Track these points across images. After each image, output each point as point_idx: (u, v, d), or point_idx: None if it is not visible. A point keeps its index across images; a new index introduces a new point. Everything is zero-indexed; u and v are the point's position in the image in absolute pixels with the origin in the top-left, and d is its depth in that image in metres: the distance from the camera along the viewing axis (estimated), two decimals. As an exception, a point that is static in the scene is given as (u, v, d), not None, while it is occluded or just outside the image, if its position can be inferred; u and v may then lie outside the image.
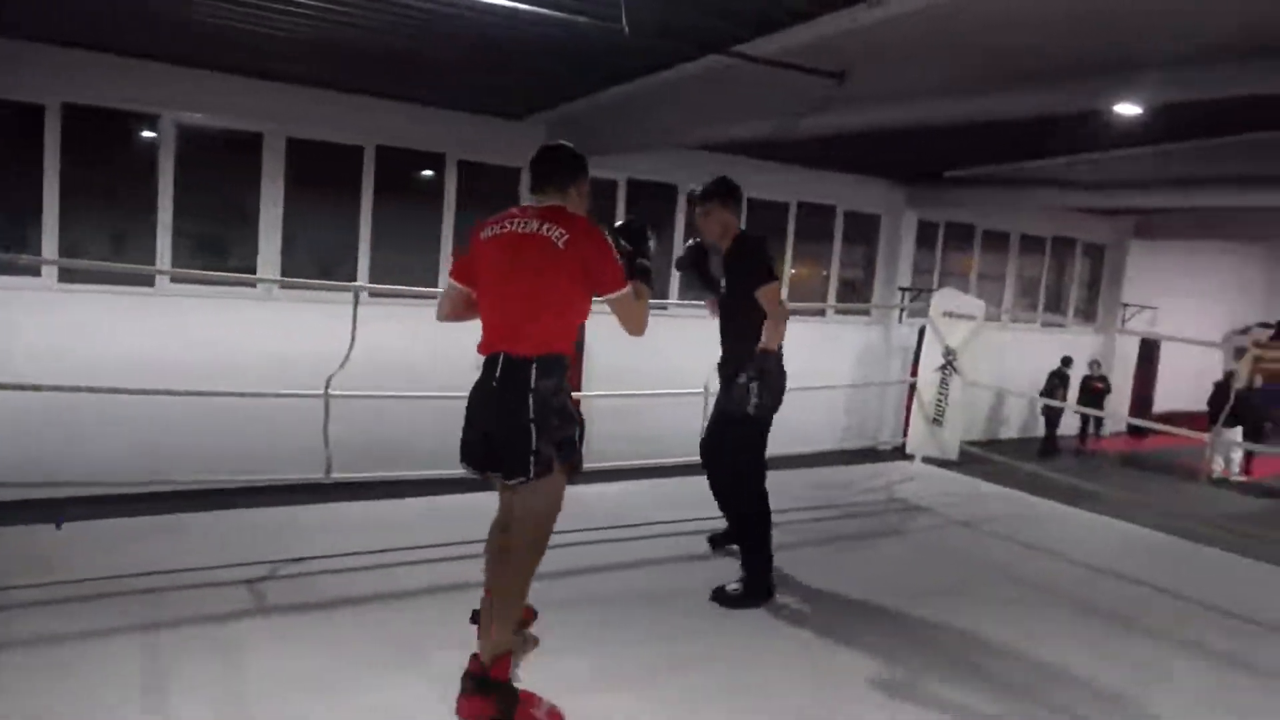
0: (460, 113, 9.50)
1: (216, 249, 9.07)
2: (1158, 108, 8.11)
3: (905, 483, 5.98)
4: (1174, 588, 4.39)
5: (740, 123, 7.13)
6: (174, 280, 8.37)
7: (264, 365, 7.77)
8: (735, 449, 3.92)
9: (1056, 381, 14.30)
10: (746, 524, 3.89)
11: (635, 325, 2.91)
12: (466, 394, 2.85)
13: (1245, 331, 18.52)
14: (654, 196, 11.18)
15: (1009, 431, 14.97)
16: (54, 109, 7.85)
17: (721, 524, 4.35)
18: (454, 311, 3.03)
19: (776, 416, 3.85)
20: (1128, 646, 3.72)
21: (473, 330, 2.92)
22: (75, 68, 7.75)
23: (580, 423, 2.85)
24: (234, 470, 6.20)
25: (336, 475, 4.65)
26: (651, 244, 3.09)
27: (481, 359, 2.81)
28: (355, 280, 9.24)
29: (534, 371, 2.70)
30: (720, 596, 3.75)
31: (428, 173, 9.79)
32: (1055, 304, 15.85)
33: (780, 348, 3.79)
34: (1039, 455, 14.18)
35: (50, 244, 7.95)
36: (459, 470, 2.94)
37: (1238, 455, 13.16)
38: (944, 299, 6.08)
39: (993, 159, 11.64)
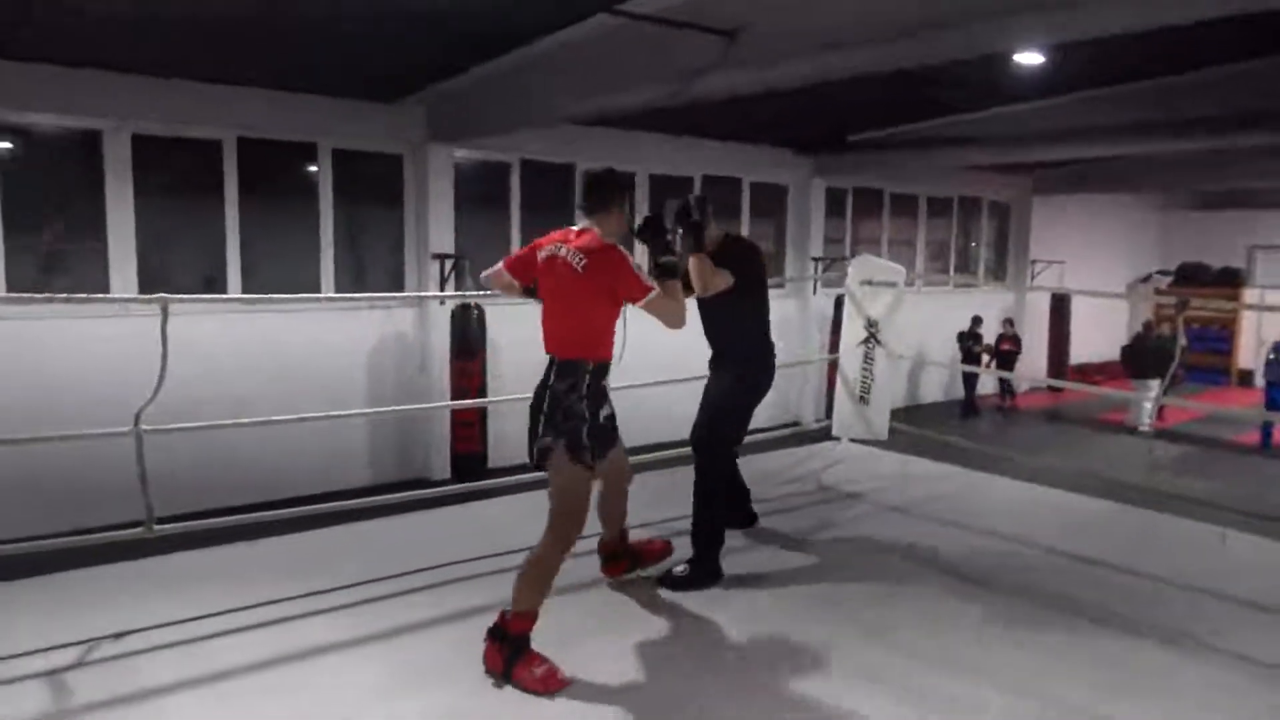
0: (330, 98, 8.69)
1: (59, 266, 8.08)
2: (1056, 59, 7.89)
3: (833, 467, 5.54)
4: (1125, 563, 4.05)
5: (628, 91, 6.58)
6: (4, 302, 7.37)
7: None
8: (712, 425, 3.94)
9: (970, 342, 14.21)
10: (702, 503, 3.86)
11: (670, 322, 3.24)
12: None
13: (1147, 280, 18.92)
14: (550, 177, 10.54)
15: (931, 396, 14.87)
16: None
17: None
18: (502, 289, 3.56)
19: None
20: (1085, 639, 3.34)
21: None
22: None
23: (588, 419, 3.14)
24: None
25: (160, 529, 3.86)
26: (672, 236, 3.61)
27: None
28: (227, 289, 8.40)
29: (554, 373, 3.20)
30: (669, 581, 3.73)
31: (312, 167, 8.97)
32: (966, 264, 15.80)
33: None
34: (961, 418, 14.13)
35: None
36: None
37: (1151, 405, 13.30)
38: (861, 267, 5.62)
39: (895, 120, 11.35)
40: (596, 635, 3.32)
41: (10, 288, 7.36)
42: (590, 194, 3.33)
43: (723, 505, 3.92)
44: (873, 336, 5.43)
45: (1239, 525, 4.54)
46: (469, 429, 9.08)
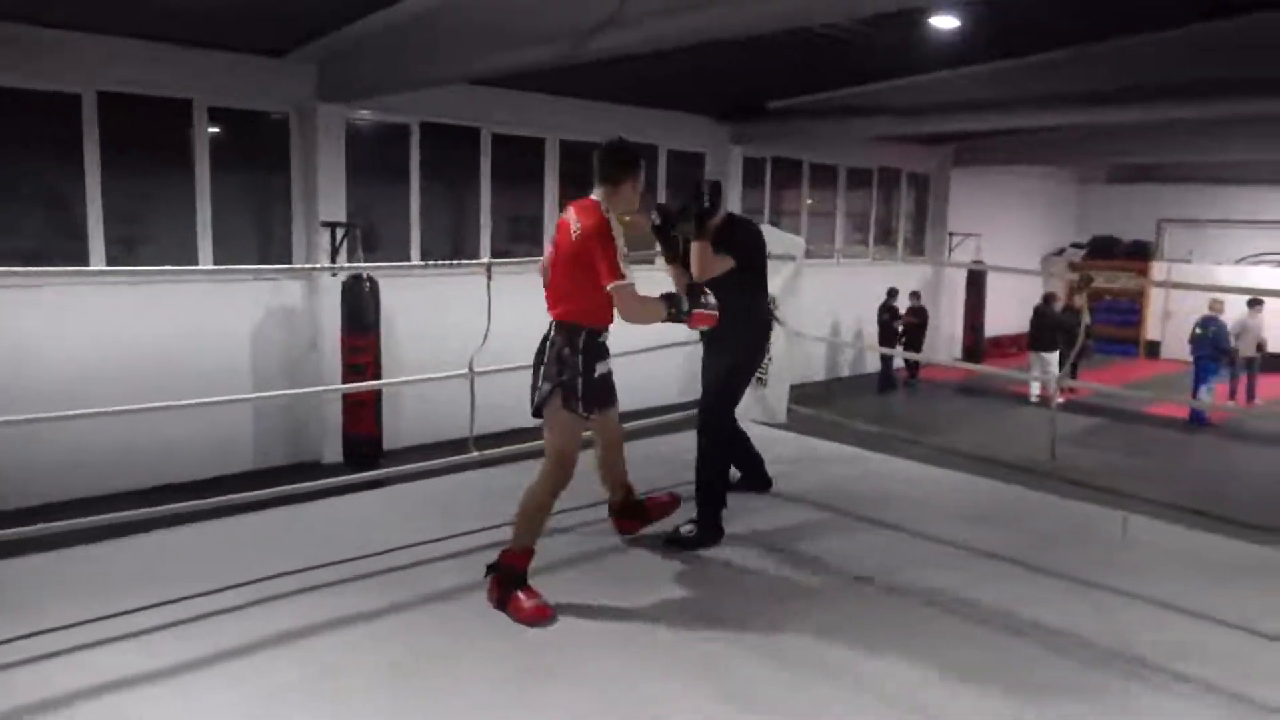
0: (206, 50, 7.99)
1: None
2: (972, 26, 7.69)
3: (730, 451, 5.23)
4: (1025, 557, 3.84)
5: (521, 48, 6.15)
6: None
7: None
8: (714, 409, 4.02)
9: (886, 316, 14.14)
10: (705, 463, 3.99)
11: (629, 316, 3.28)
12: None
13: (1060, 253, 19.17)
14: (455, 141, 10.00)
15: (845, 370, 14.82)
16: None
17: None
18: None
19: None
20: (977, 642, 3.10)
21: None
22: None
23: (582, 372, 3.30)
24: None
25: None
26: (686, 223, 3.74)
27: None
28: (89, 261, 7.70)
29: (554, 330, 3.37)
30: (676, 539, 3.84)
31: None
32: (885, 237, 15.72)
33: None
34: (878, 392, 14.10)
35: None
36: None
37: (1051, 379, 13.42)
38: (760, 239, 5.29)
39: (812, 88, 11.07)
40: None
41: None
42: (599, 165, 3.39)
43: (725, 470, 4.10)
44: (770, 314, 5.11)
45: (1137, 509, 4.39)
46: (363, 409, 8.57)
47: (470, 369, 4.49)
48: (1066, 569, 3.72)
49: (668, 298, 3.41)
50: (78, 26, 7.28)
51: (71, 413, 4.02)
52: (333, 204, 8.81)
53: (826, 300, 13.07)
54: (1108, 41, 8.29)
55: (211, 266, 8.26)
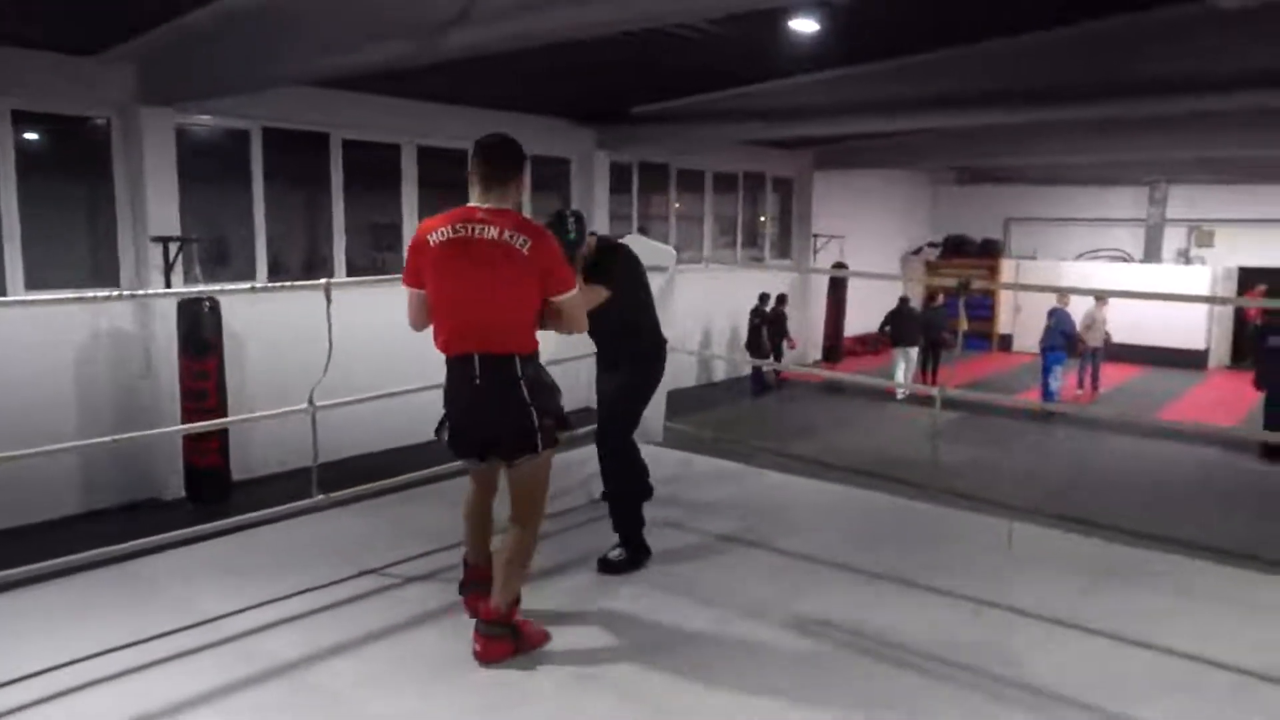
0: (12, 48, 7.13)
1: None
2: (830, 30, 7.70)
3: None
4: (916, 577, 3.72)
5: (365, 49, 5.71)
6: None
7: None
8: (613, 427, 3.93)
9: (758, 320, 14.21)
10: (617, 483, 3.90)
11: (579, 325, 3.13)
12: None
13: (918, 252, 19.87)
14: (301, 147, 9.36)
15: (719, 375, 14.83)
16: None
17: None
18: (426, 318, 3.07)
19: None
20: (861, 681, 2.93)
21: None
22: None
23: (558, 390, 3.10)
24: None
25: None
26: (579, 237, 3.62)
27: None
28: None
29: (519, 364, 2.94)
30: (607, 566, 3.75)
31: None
32: (753, 241, 15.83)
33: None
34: (753, 395, 14.16)
35: None
36: None
37: (910, 373, 13.86)
38: (629, 249, 5.04)
39: (675, 92, 10.96)
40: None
41: None
42: (497, 162, 2.99)
43: (639, 488, 4.02)
44: (643, 327, 4.87)
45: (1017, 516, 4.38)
46: (207, 441, 7.82)
47: (311, 403, 4.04)
48: (958, 587, 3.62)
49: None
50: None
51: None
52: (165, 216, 8.02)
53: (698, 306, 13.02)
54: (961, 46, 8.48)
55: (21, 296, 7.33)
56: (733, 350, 14.42)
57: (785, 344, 14.26)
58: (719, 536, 4.18)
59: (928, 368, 14.31)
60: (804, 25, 7.48)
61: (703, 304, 13.29)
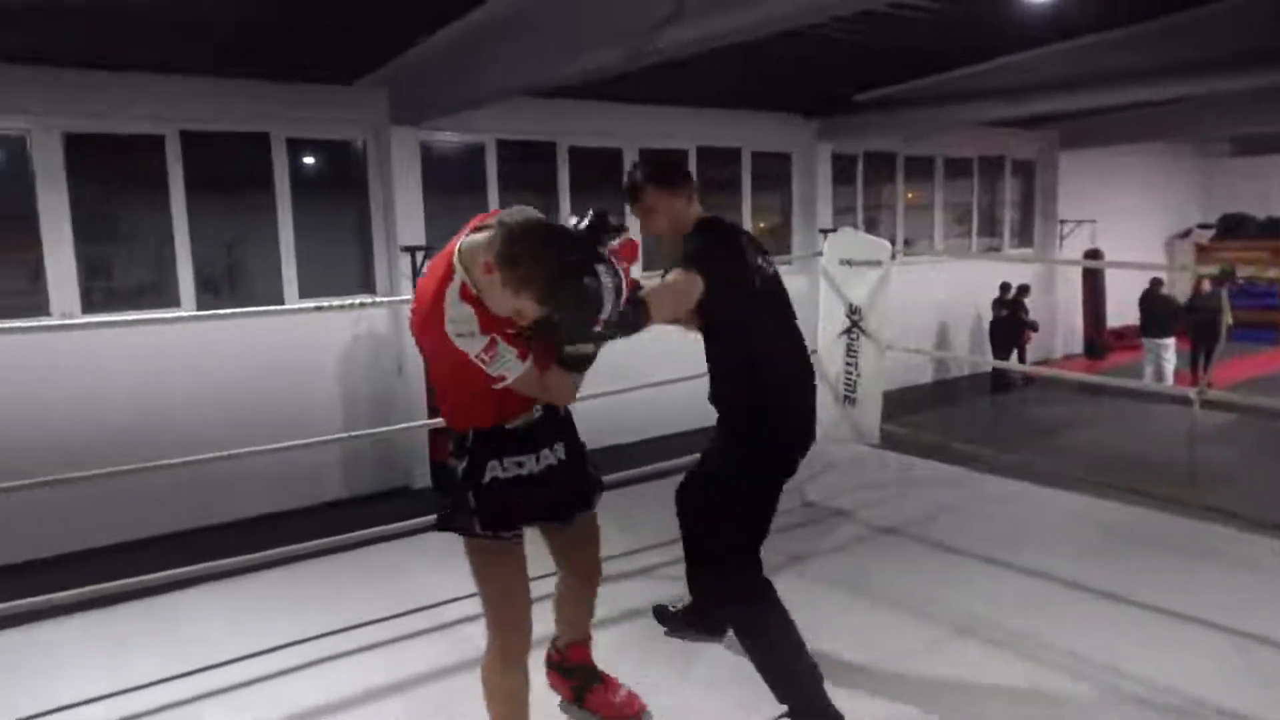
0: (286, 84, 8.06)
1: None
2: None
3: (818, 476, 4.81)
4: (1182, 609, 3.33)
5: (579, 56, 5.90)
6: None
7: None
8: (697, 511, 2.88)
9: (1004, 312, 13.30)
10: (757, 647, 2.56)
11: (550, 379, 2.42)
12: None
13: (1186, 235, 17.81)
14: (531, 157, 9.88)
15: (959, 370, 14.04)
16: None
17: None
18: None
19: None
20: None
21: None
22: None
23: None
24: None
25: None
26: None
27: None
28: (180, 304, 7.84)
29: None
30: None
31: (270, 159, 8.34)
32: (990, 229, 14.86)
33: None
34: (991, 391, 13.30)
35: None
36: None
37: (1171, 366, 12.37)
38: (839, 243, 4.82)
39: (902, 76, 10.47)
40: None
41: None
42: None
43: (793, 644, 2.54)
44: (856, 326, 4.68)
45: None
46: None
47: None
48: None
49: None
50: (162, 69, 7.41)
51: (194, 457, 3.89)
52: (411, 228, 8.77)
53: (931, 299, 12.45)
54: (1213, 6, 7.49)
55: (288, 306, 8.21)
56: (975, 344, 13.63)
57: (1025, 335, 13.29)
58: (932, 545, 3.95)
59: (1198, 363, 12.79)
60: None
61: (938, 297, 12.68)
